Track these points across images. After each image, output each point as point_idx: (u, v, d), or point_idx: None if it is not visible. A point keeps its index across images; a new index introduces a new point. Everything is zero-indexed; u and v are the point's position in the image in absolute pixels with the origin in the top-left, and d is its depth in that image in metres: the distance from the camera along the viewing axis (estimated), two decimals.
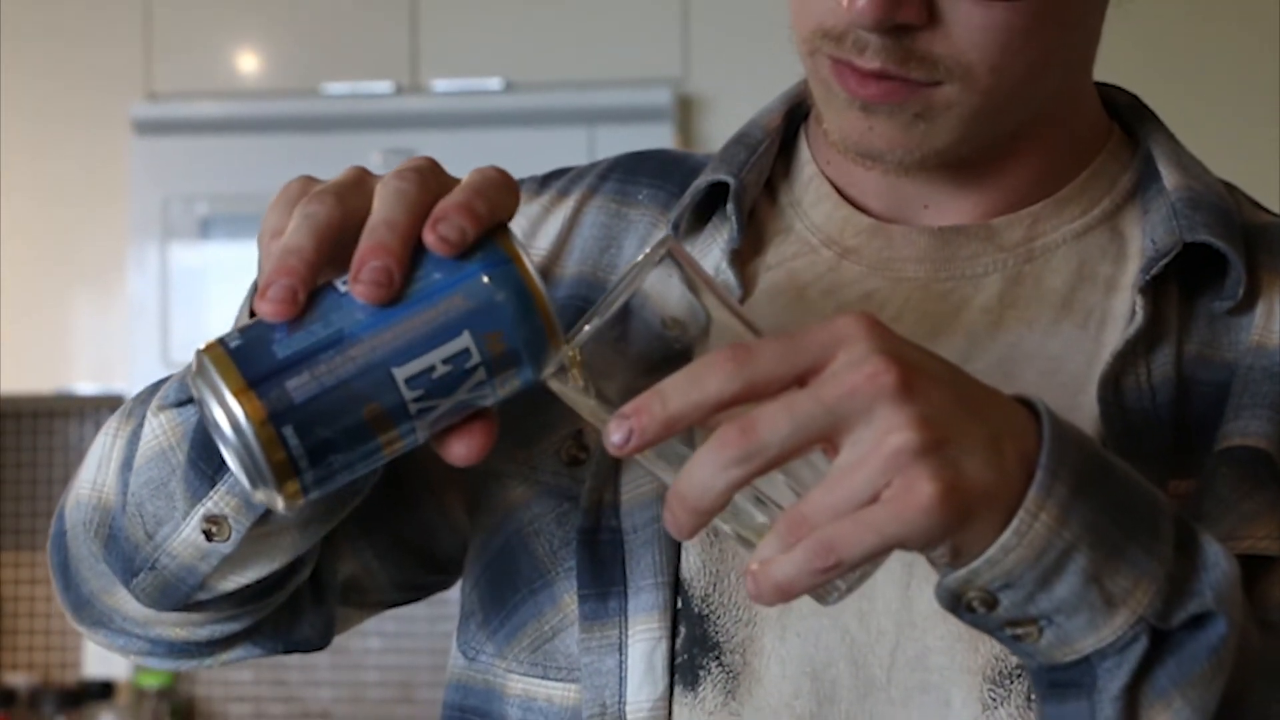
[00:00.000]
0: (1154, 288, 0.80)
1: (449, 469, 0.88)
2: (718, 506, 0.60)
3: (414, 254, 0.64)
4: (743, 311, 0.64)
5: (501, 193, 0.66)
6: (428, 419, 0.64)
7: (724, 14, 2.70)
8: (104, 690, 3.09)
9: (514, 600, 0.84)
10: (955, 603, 0.63)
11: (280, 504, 0.64)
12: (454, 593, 0.91)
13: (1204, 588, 0.64)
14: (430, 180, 0.66)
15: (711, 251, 0.85)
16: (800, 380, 0.60)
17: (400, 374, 0.62)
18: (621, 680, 0.78)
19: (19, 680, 3.10)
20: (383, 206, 0.65)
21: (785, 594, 0.59)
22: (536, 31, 2.73)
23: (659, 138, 2.59)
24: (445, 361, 0.63)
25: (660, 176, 0.90)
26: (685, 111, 2.69)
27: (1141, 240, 0.82)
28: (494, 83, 2.70)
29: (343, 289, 0.64)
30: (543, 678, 0.81)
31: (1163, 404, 0.77)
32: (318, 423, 0.62)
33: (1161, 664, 0.64)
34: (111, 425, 0.84)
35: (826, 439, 0.59)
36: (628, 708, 0.78)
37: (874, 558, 0.59)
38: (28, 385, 2.80)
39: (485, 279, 0.64)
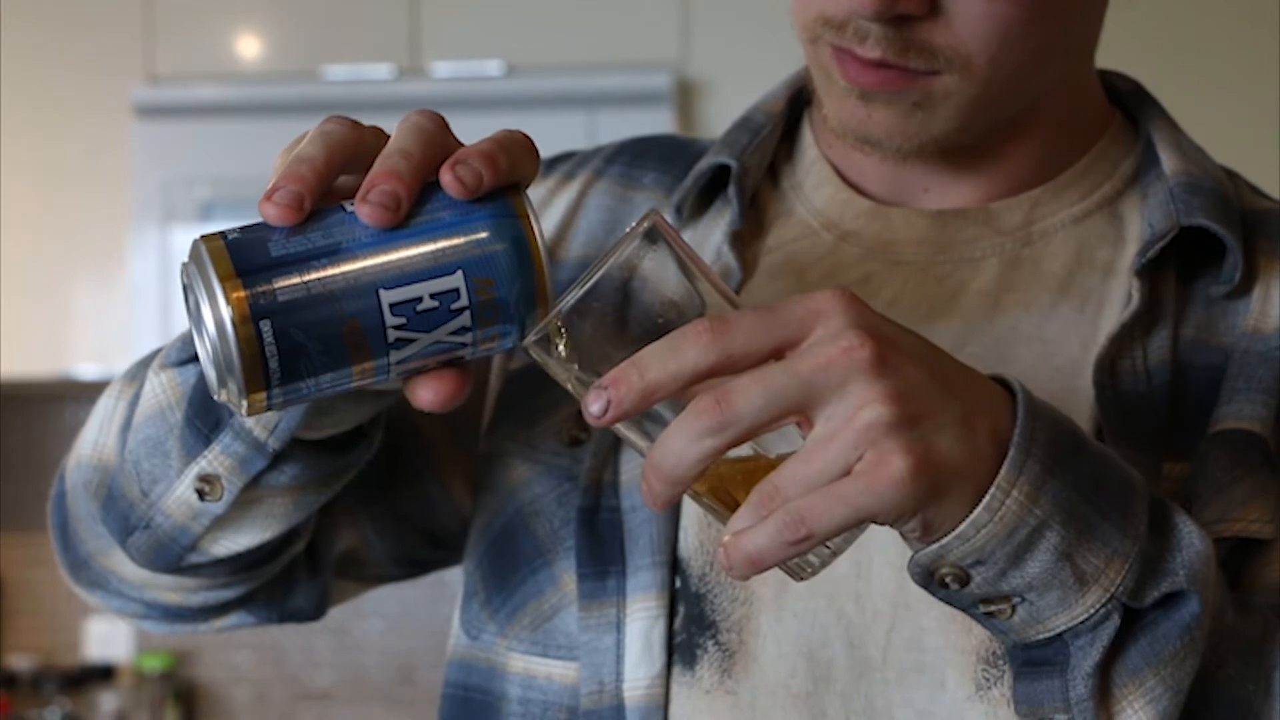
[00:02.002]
0: (1151, 272, 0.80)
1: (452, 447, 0.90)
2: (691, 477, 0.60)
3: (425, 191, 0.64)
4: (724, 286, 0.64)
5: (524, 154, 0.66)
6: (403, 353, 0.64)
7: None
8: (105, 673, 3.10)
9: (515, 580, 0.84)
10: (928, 578, 0.64)
11: (243, 406, 0.64)
12: (454, 574, 0.91)
13: (1177, 567, 0.65)
14: (448, 129, 0.67)
15: (714, 234, 0.86)
16: (777, 353, 0.60)
17: (387, 298, 0.63)
18: (619, 658, 0.79)
19: (21, 662, 3.11)
20: (400, 138, 0.65)
21: (757, 565, 0.60)
22: (537, 15, 2.73)
23: (659, 122, 2.59)
24: (433, 296, 0.63)
25: (666, 161, 0.91)
26: (685, 96, 2.69)
27: (1140, 225, 0.83)
28: (494, 66, 2.70)
29: (349, 208, 0.64)
30: (543, 656, 0.82)
31: (1158, 387, 0.78)
32: (296, 326, 0.62)
33: (1134, 642, 0.65)
34: (115, 388, 0.85)
35: (801, 412, 0.59)
36: (625, 686, 0.79)
37: (845, 531, 0.60)
38: (29, 369, 2.80)
39: (490, 227, 0.64)
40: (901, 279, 0.82)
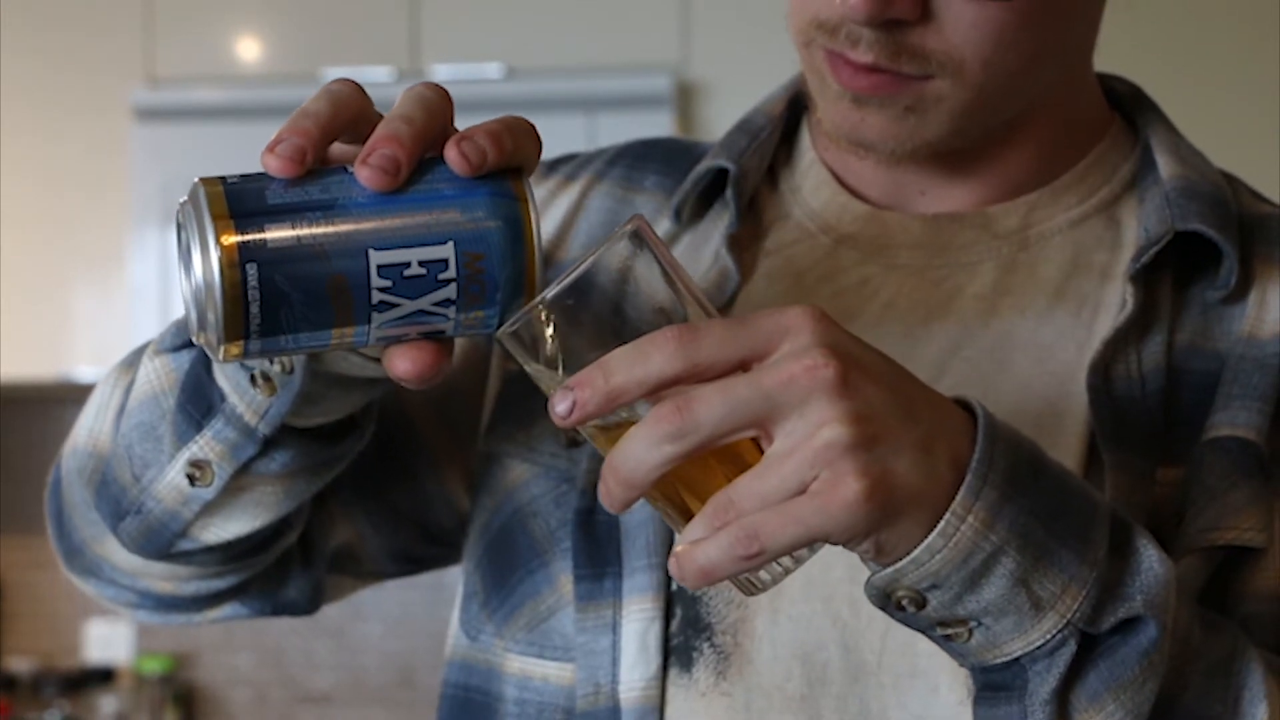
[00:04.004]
0: (1146, 276, 0.80)
1: (449, 445, 0.90)
2: (649, 481, 0.60)
3: (427, 164, 0.65)
4: (700, 295, 0.64)
5: (527, 139, 0.67)
6: (385, 316, 0.64)
7: (724, 0, 2.70)
8: (105, 675, 3.10)
9: (512, 580, 0.84)
10: (885, 601, 0.64)
11: (220, 351, 0.64)
12: (453, 576, 0.92)
13: (1135, 592, 0.64)
14: (451, 102, 0.67)
15: (712, 237, 0.86)
16: (744, 365, 0.60)
17: (376, 259, 0.63)
18: (615, 660, 0.79)
19: (20, 665, 3.11)
20: (404, 106, 0.66)
21: (708, 578, 0.60)
22: (537, 17, 2.73)
23: (659, 124, 2.59)
24: (422, 263, 0.63)
25: (667, 164, 0.91)
26: (685, 98, 2.69)
27: (1137, 230, 0.83)
28: (494, 69, 2.71)
29: (350, 170, 0.64)
30: (539, 657, 0.82)
31: (1152, 392, 0.78)
32: (283, 275, 0.62)
33: (1094, 667, 0.65)
34: (112, 375, 0.85)
35: (760, 425, 0.59)
36: (620, 687, 0.79)
37: (797, 549, 0.60)
38: (29, 371, 2.81)
39: (488, 205, 0.64)
40: (898, 282, 0.83)
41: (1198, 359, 0.79)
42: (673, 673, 0.79)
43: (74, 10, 2.80)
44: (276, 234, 0.62)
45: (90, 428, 0.84)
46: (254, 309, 0.62)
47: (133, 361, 0.83)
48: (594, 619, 0.80)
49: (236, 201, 0.63)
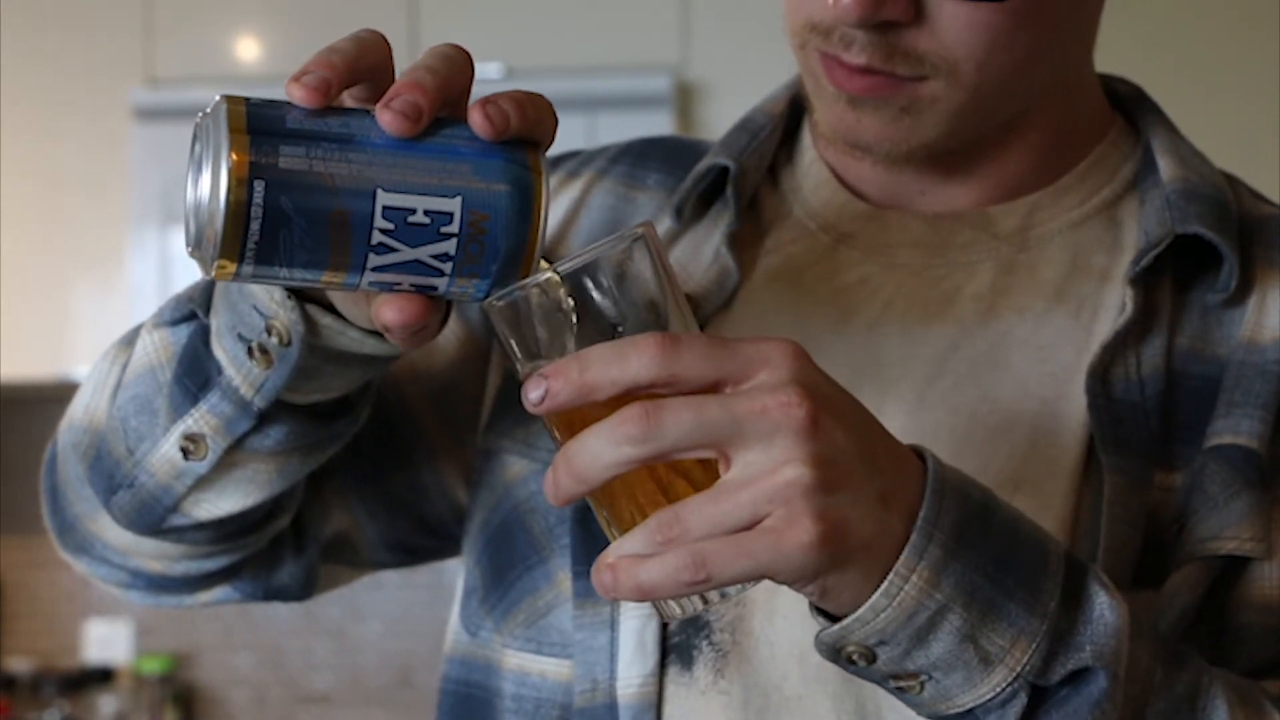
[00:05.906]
0: (1146, 279, 0.80)
1: (448, 438, 0.90)
2: (600, 480, 0.60)
3: (447, 122, 0.65)
4: (690, 314, 0.65)
5: (547, 114, 0.68)
6: (382, 260, 0.64)
7: (724, 0, 2.70)
8: (104, 675, 3.10)
9: (511, 576, 0.85)
10: (835, 655, 0.64)
11: (213, 266, 0.64)
12: (453, 576, 0.92)
13: (1085, 642, 0.64)
14: (472, 62, 0.68)
15: (713, 235, 0.86)
16: (718, 386, 0.60)
17: (383, 199, 0.63)
18: (613, 657, 0.79)
19: (20, 665, 3.11)
20: (429, 59, 0.66)
21: (645, 596, 0.60)
22: (537, 18, 2.73)
23: (658, 124, 2.59)
24: (427, 213, 0.64)
25: (669, 162, 0.91)
26: (685, 98, 2.69)
27: (1137, 232, 0.83)
28: (494, 69, 2.71)
29: (371, 112, 0.65)
30: (537, 653, 0.83)
31: (1151, 396, 0.78)
32: (288, 197, 0.62)
33: (1047, 717, 0.65)
34: (110, 352, 0.85)
35: (721, 449, 0.59)
36: (618, 684, 0.79)
37: (743, 582, 0.60)
38: (28, 371, 2.80)
39: (502, 170, 0.65)
40: (897, 282, 0.83)
41: (1197, 364, 0.79)
42: (673, 671, 0.79)
43: (74, 10, 2.80)
44: (289, 158, 0.62)
45: (86, 403, 0.84)
46: (254, 227, 0.62)
47: (131, 339, 0.84)
48: (592, 616, 0.80)
49: (256, 120, 0.63)
